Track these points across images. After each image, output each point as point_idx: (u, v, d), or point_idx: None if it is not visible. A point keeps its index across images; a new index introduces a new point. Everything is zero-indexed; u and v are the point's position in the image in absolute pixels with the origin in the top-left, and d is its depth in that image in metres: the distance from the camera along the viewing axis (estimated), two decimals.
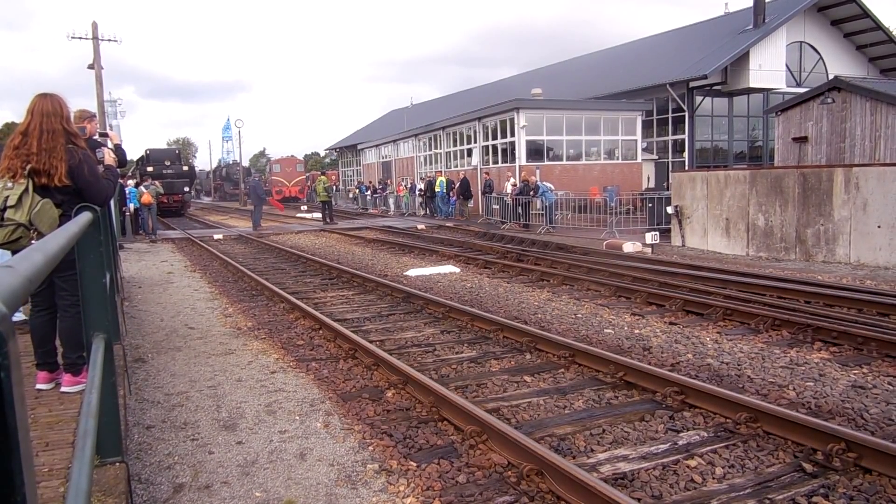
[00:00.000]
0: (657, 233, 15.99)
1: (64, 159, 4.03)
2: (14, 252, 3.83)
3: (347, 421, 4.90)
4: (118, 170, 5.46)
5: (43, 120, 4.03)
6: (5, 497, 0.73)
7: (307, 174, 53.87)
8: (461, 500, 3.70)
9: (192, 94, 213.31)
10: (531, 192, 20.59)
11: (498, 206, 23.23)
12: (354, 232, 21.92)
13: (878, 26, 28.25)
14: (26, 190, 3.90)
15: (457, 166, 30.76)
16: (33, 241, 3.76)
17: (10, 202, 3.85)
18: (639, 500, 3.64)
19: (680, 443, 4.42)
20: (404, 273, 12.50)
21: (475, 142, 29.35)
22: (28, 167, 3.94)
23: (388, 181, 38.36)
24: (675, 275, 10.81)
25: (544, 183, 21.27)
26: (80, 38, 29.27)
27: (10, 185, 3.91)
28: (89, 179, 4.19)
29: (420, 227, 23.02)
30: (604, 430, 4.68)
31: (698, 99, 27.87)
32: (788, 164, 19.35)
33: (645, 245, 15.06)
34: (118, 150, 5.69)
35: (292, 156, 55.12)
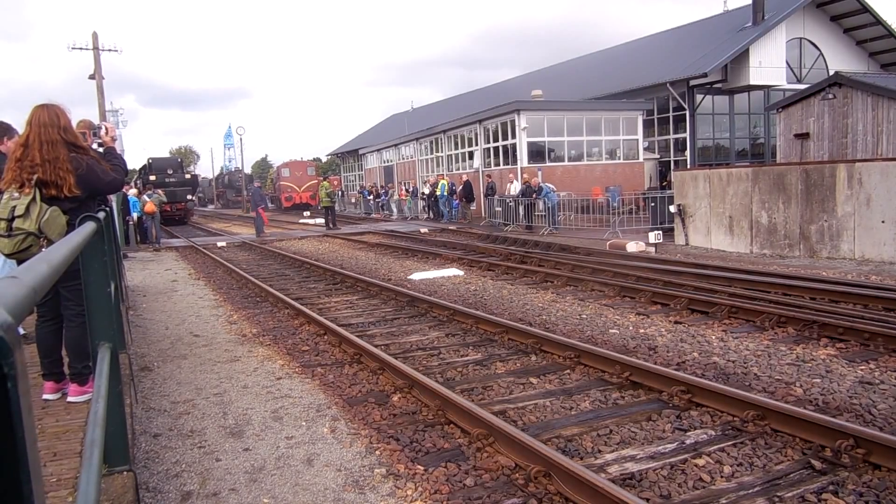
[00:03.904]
0: (660, 232, 15.96)
1: (70, 170, 4.04)
2: (22, 262, 3.84)
3: (354, 426, 4.90)
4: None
5: (41, 131, 4.04)
6: None
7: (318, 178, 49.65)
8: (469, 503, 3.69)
9: (193, 102, 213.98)
10: (534, 194, 20.59)
11: (500, 209, 23.23)
12: (357, 237, 21.94)
13: (878, 21, 28.19)
14: (34, 199, 3.91)
15: (458, 169, 30.76)
16: (43, 249, 3.76)
17: (18, 212, 3.87)
18: (647, 500, 3.63)
19: (687, 442, 4.41)
20: (408, 277, 12.50)
21: (476, 144, 29.35)
22: (35, 177, 3.95)
23: (391, 185, 38.36)
24: (679, 274, 10.79)
25: (546, 184, 21.27)
26: (81, 48, 29.40)
27: (16, 195, 3.93)
28: (99, 186, 4.29)
29: (423, 230, 23.03)
30: (611, 431, 4.66)
31: (699, 97, 27.83)
32: (791, 161, 19.30)
33: (648, 244, 15.03)
34: (117, 156, 5.64)
35: (302, 158, 50.74)
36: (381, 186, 38.51)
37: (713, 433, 4.54)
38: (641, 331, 7.55)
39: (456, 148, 31.73)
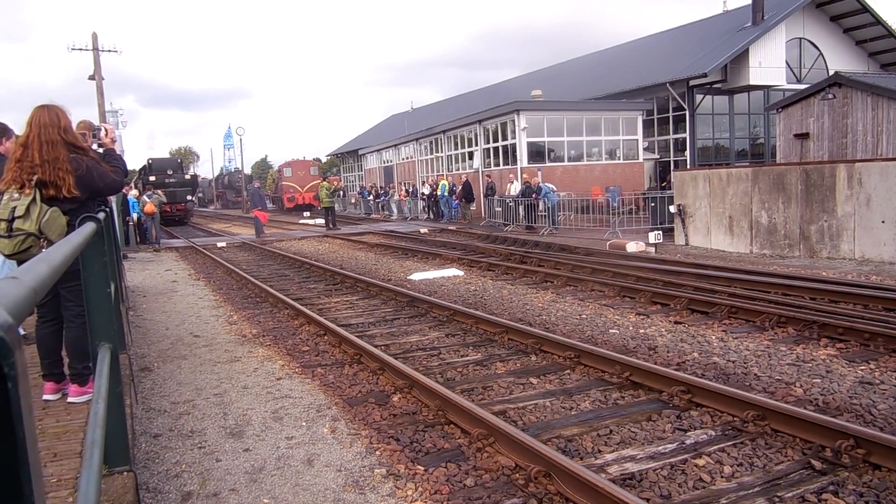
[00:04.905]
0: (660, 232, 15.96)
1: (70, 171, 4.04)
2: (22, 262, 3.84)
3: (354, 426, 4.90)
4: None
5: (41, 131, 4.04)
6: None
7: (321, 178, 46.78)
8: None
9: (192, 102, 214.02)
10: (534, 194, 20.60)
11: (500, 209, 23.24)
12: (357, 237, 21.94)
13: (878, 21, 28.19)
14: (34, 200, 3.92)
15: (458, 169, 30.77)
16: (44, 250, 3.76)
17: (18, 213, 3.87)
18: (647, 500, 3.63)
19: (688, 442, 4.41)
20: (408, 277, 12.50)
21: (476, 145, 29.36)
22: (35, 178, 3.95)
23: (391, 186, 38.35)
24: (679, 274, 10.79)
25: (546, 184, 21.28)
26: (81, 49, 29.39)
27: (16, 196, 3.93)
28: (100, 186, 4.29)
29: (423, 230, 23.03)
30: (611, 431, 4.66)
31: (699, 97, 27.83)
32: (790, 161, 19.30)
33: (648, 245, 15.03)
34: (116, 157, 5.63)
35: (304, 158, 49.18)
36: (381, 187, 38.49)
37: (713, 433, 4.54)
38: (641, 331, 7.55)
39: (456, 148, 31.73)
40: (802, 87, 23.84)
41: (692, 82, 26.69)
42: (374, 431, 4.77)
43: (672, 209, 16.42)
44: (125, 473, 3.00)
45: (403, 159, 39.07)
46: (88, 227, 2.98)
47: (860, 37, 29.07)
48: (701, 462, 4.11)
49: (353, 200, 43.66)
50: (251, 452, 4.47)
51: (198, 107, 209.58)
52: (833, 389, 5.32)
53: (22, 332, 5.27)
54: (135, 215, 20.76)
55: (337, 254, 17.92)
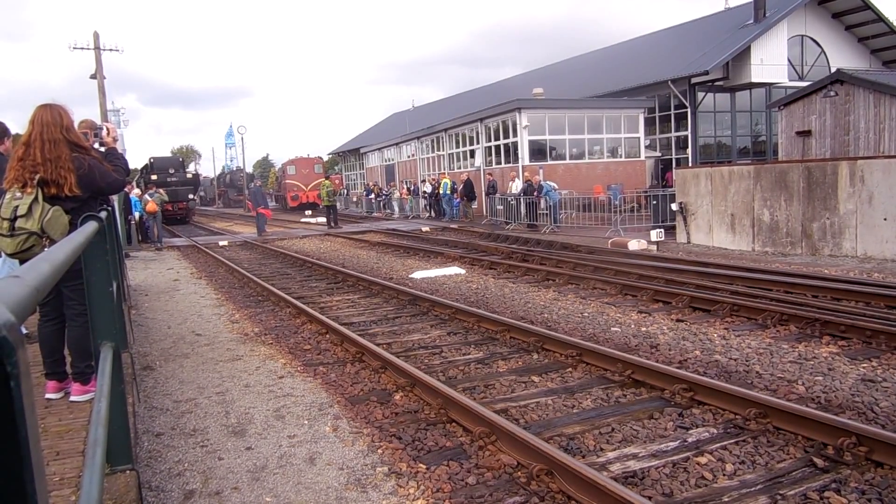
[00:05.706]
0: (662, 230, 15.95)
1: (72, 170, 4.04)
2: (24, 262, 3.84)
3: (356, 424, 4.90)
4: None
5: (43, 130, 4.05)
6: None
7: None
8: (471, 502, 3.69)
9: (194, 101, 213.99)
10: (535, 193, 20.59)
11: (502, 207, 23.23)
12: (359, 235, 21.94)
13: (880, 18, 28.11)
14: (36, 199, 3.92)
15: (460, 168, 30.75)
16: (46, 249, 3.77)
17: (21, 212, 3.88)
18: (650, 498, 3.63)
19: (690, 440, 4.41)
20: (409, 276, 12.50)
21: (478, 143, 29.34)
22: (37, 177, 3.95)
23: (392, 184, 38.34)
24: (681, 272, 10.78)
25: (548, 182, 21.26)
26: (82, 48, 29.40)
27: (18, 195, 3.93)
28: (102, 185, 4.29)
29: (424, 229, 23.02)
30: (613, 429, 4.66)
31: (700, 95, 27.78)
32: (792, 159, 19.27)
33: (650, 242, 15.02)
34: (118, 156, 5.62)
35: (308, 155, 48.07)
36: (378, 186, 38.45)
37: (715, 431, 4.54)
38: (643, 329, 7.55)
39: (457, 146, 31.71)
40: (804, 84, 23.79)
41: (694, 80, 26.64)
42: (375, 430, 4.77)
43: (674, 207, 16.40)
44: (128, 472, 3.01)
45: (405, 158, 39.06)
46: (90, 226, 2.98)
47: (862, 34, 29.00)
48: (703, 460, 4.11)
49: (354, 199, 43.67)
50: (253, 451, 4.48)
51: (200, 105, 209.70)
52: (835, 387, 5.31)
53: (24, 330, 5.27)
54: (137, 214, 20.76)
55: (338, 252, 17.93)
